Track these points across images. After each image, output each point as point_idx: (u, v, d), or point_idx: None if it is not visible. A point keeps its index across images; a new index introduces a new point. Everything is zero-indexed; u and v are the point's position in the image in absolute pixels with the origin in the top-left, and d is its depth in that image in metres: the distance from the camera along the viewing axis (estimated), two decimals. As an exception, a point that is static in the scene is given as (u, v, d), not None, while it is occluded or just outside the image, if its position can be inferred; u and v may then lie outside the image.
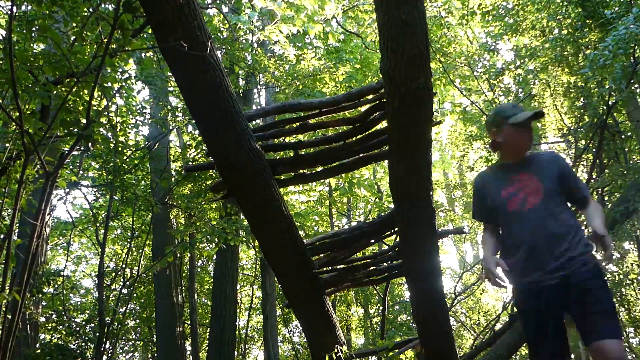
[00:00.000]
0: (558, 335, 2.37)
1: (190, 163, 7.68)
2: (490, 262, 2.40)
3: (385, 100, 2.35)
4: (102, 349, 6.59)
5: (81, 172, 7.73)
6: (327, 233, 3.16)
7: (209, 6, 6.68)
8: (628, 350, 10.41)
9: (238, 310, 11.46)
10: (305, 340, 7.79)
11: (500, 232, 2.56)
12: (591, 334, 2.25)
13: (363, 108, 2.85)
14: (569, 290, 2.31)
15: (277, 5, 6.22)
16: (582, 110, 6.34)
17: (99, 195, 8.27)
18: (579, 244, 2.36)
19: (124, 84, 5.71)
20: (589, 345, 2.29)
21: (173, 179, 8.19)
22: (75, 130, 3.49)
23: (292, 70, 8.14)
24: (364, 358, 3.70)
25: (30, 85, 3.44)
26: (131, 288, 8.88)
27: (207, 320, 11.70)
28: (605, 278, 2.46)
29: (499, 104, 7.65)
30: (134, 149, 7.97)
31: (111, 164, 6.93)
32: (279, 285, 3.37)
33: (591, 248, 2.39)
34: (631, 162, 5.72)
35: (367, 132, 2.88)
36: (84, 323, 7.69)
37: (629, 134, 6.20)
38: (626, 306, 9.33)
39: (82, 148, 6.21)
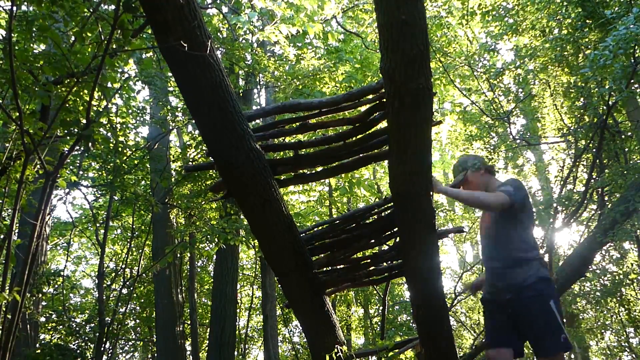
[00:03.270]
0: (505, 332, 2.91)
1: (190, 163, 7.68)
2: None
3: (385, 100, 2.35)
4: (102, 349, 6.59)
5: (81, 172, 7.73)
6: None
7: (209, 6, 6.68)
8: (628, 350, 10.41)
9: (238, 310, 11.46)
10: (305, 340, 7.78)
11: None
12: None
13: (363, 108, 2.84)
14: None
15: (276, 5, 6.22)
16: (582, 110, 6.34)
17: (99, 195, 8.28)
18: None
19: (123, 84, 5.71)
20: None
21: (173, 179, 8.19)
22: (75, 130, 3.49)
23: (292, 70, 8.14)
24: (364, 358, 3.69)
25: (30, 85, 3.44)
26: (131, 288, 8.88)
27: (207, 320, 11.70)
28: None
29: (499, 103, 7.65)
30: (134, 149, 7.97)
31: (111, 164, 6.92)
32: (279, 285, 3.37)
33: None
34: (631, 162, 5.72)
35: (367, 132, 2.87)
36: (84, 323, 7.68)
37: (629, 134, 6.20)
38: (626, 306, 9.32)
39: (82, 148, 6.21)
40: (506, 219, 2.87)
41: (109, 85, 3.74)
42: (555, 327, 2.70)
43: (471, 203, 2.87)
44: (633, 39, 3.91)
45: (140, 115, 7.79)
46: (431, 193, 2.57)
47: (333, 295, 7.12)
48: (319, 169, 3.09)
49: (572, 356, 11.35)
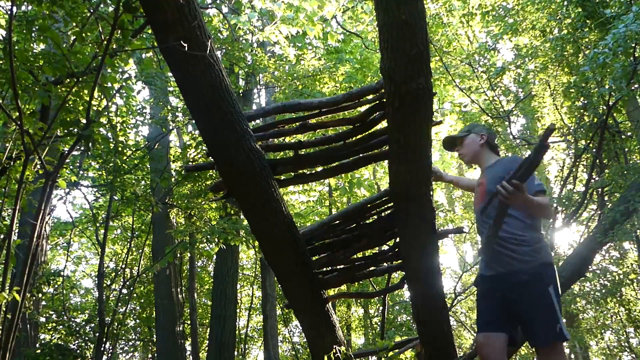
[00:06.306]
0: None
1: (190, 163, 7.68)
2: None
3: (385, 100, 2.35)
4: (102, 349, 6.59)
5: (81, 172, 7.73)
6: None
7: (209, 6, 6.67)
8: (628, 350, 10.41)
9: (238, 310, 11.47)
10: (305, 340, 7.78)
11: None
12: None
13: (363, 108, 2.84)
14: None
15: (276, 6, 6.22)
16: (582, 110, 6.34)
17: (99, 195, 8.28)
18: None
19: (124, 84, 5.71)
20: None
21: (173, 179, 8.19)
22: (75, 130, 3.49)
23: (292, 70, 8.14)
24: (363, 358, 3.69)
25: (30, 85, 3.44)
26: (131, 288, 8.89)
27: (207, 320, 11.71)
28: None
29: (498, 102, 7.65)
30: (134, 149, 7.97)
31: (111, 164, 6.93)
32: (279, 285, 3.37)
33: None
34: (631, 162, 5.71)
35: (367, 132, 2.87)
36: (84, 323, 7.68)
37: (629, 134, 6.20)
38: (626, 306, 9.32)
39: (82, 148, 6.21)
40: None
41: (109, 85, 3.74)
42: (551, 315, 2.43)
43: (539, 213, 2.51)
44: (633, 37, 3.90)
45: (140, 114, 7.80)
46: (431, 194, 2.56)
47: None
48: (319, 169, 3.09)
49: (572, 356, 11.35)
